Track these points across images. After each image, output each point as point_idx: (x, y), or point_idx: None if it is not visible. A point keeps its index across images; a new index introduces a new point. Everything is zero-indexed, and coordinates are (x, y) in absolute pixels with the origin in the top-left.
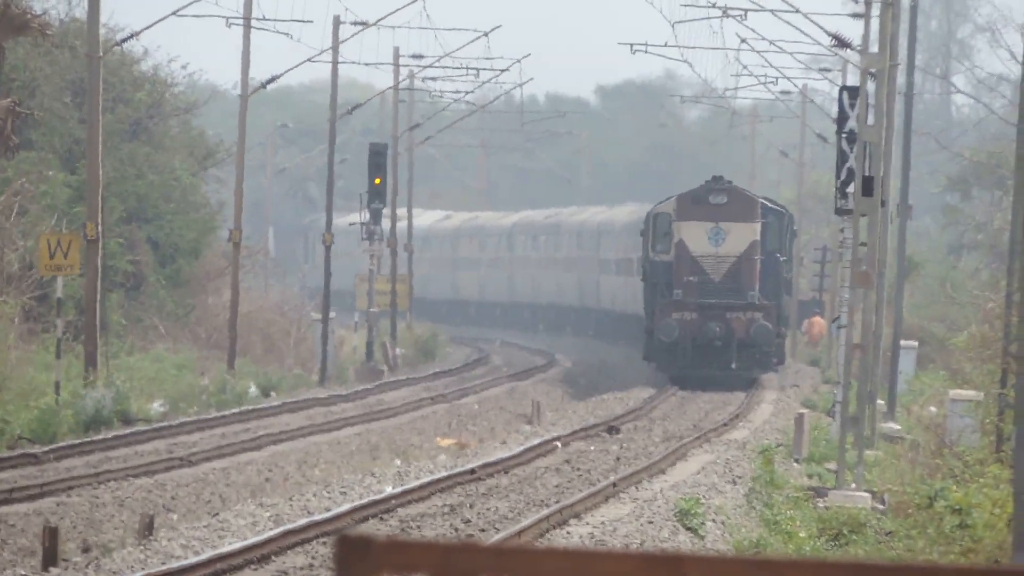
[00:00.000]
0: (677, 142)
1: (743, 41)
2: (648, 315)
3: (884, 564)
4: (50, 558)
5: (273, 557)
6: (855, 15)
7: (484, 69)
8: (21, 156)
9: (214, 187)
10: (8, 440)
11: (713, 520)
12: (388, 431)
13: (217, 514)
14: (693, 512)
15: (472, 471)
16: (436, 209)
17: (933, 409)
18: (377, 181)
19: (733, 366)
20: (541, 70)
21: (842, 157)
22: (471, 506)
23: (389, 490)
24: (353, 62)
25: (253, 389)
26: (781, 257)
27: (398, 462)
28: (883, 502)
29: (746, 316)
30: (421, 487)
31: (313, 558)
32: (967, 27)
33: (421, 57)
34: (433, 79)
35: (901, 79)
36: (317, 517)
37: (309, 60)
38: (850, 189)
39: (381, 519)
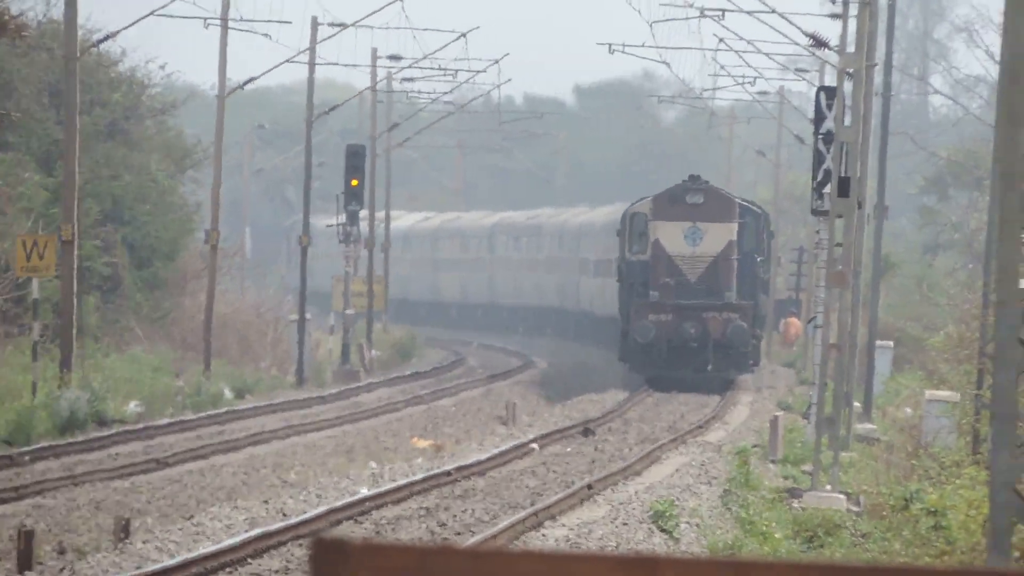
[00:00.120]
0: (655, 142)
1: (721, 41)
2: (624, 316)
3: (859, 565)
4: (25, 561)
5: (248, 560)
6: (832, 15)
7: (462, 70)
8: None
9: (191, 188)
10: None
11: (688, 522)
12: (364, 433)
13: (192, 517)
14: (668, 514)
15: (448, 473)
16: (414, 210)
17: (909, 410)
18: (354, 183)
19: (710, 368)
20: (519, 70)
21: (819, 158)
22: (447, 508)
23: (365, 492)
24: (331, 63)
25: (227, 392)
26: (758, 257)
27: (373, 464)
28: (858, 504)
29: (722, 316)
30: (397, 489)
31: (288, 561)
32: (944, 27)
33: (399, 58)
34: (411, 80)
35: (878, 79)
36: (293, 520)
37: (287, 61)
38: (827, 190)
39: (356, 521)
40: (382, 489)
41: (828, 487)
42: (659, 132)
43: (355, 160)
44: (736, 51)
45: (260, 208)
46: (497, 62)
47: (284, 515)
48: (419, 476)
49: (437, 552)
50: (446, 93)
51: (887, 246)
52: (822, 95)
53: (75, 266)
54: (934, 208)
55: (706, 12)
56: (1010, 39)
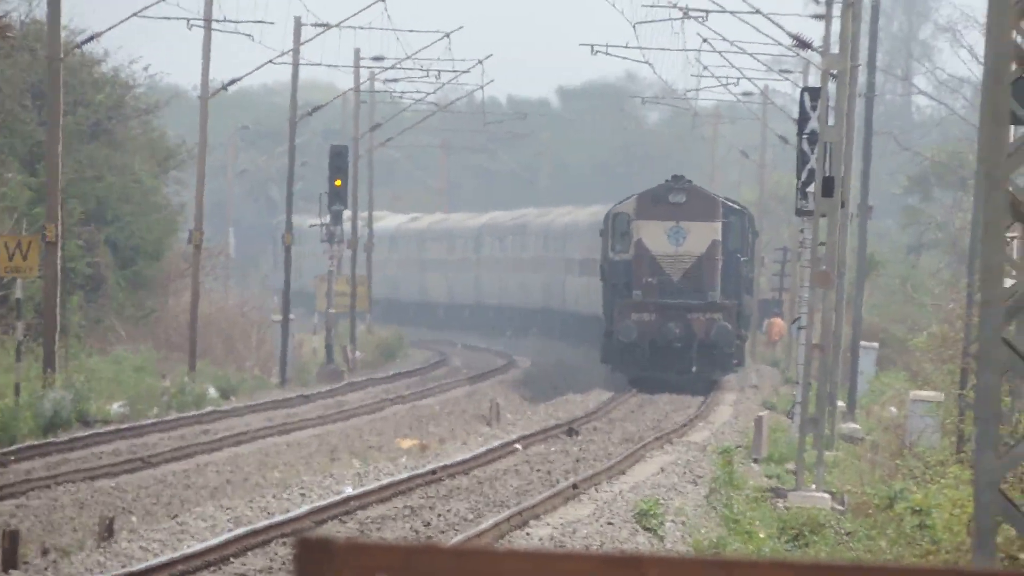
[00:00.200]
0: (639, 144)
1: (704, 41)
2: (607, 316)
3: (844, 564)
4: (10, 561)
5: (232, 559)
6: (816, 16)
7: (445, 71)
8: None
9: (175, 189)
10: None
11: (672, 521)
12: (348, 432)
13: (177, 516)
14: (652, 513)
15: (433, 472)
16: (398, 211)
17: (893, 410)
18: (338, 183)
19: (694, 369)
20: (502, 71)
21: (803, 158)
22: (431, 507)
23: (349, 491)
24: (314, 63)
25: (212, 392)
26: (742, 257)
27: (357, 463)
28: (843, 503)
29: (706, 316)
30: (381, 488)
31: (272, 560)
32: (928, 28)
33: (382, 59)
34: (394, 80)
35: (862, 80)
36: (277, 519)
37: (270, 61)
38: (811, 189)
39: (341, 521)
40: (367, 488)
41: (813, 486)
42: (643, 133)
43: (338, 160)
44: (720, 52)
45: (244, 208)
46: (481, 62)
47: (268, 514)
48: (403, 475)
49: (422, 551)
50: (430, 94)
51: (871, 246)
52: (806, 95)
53: (59, 267)
54: (918, 208)
55: (689, 13)
56: (993, 39)
